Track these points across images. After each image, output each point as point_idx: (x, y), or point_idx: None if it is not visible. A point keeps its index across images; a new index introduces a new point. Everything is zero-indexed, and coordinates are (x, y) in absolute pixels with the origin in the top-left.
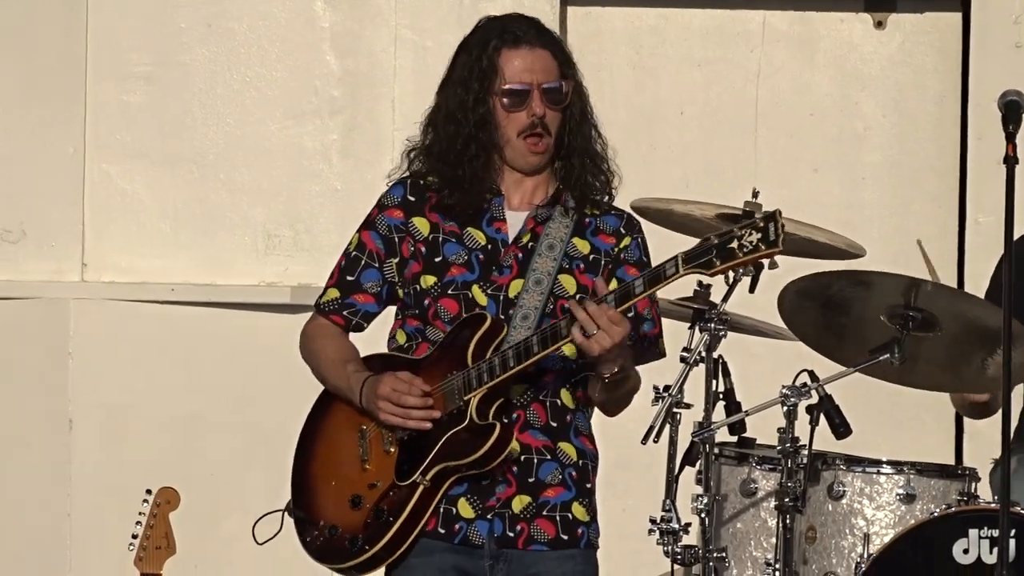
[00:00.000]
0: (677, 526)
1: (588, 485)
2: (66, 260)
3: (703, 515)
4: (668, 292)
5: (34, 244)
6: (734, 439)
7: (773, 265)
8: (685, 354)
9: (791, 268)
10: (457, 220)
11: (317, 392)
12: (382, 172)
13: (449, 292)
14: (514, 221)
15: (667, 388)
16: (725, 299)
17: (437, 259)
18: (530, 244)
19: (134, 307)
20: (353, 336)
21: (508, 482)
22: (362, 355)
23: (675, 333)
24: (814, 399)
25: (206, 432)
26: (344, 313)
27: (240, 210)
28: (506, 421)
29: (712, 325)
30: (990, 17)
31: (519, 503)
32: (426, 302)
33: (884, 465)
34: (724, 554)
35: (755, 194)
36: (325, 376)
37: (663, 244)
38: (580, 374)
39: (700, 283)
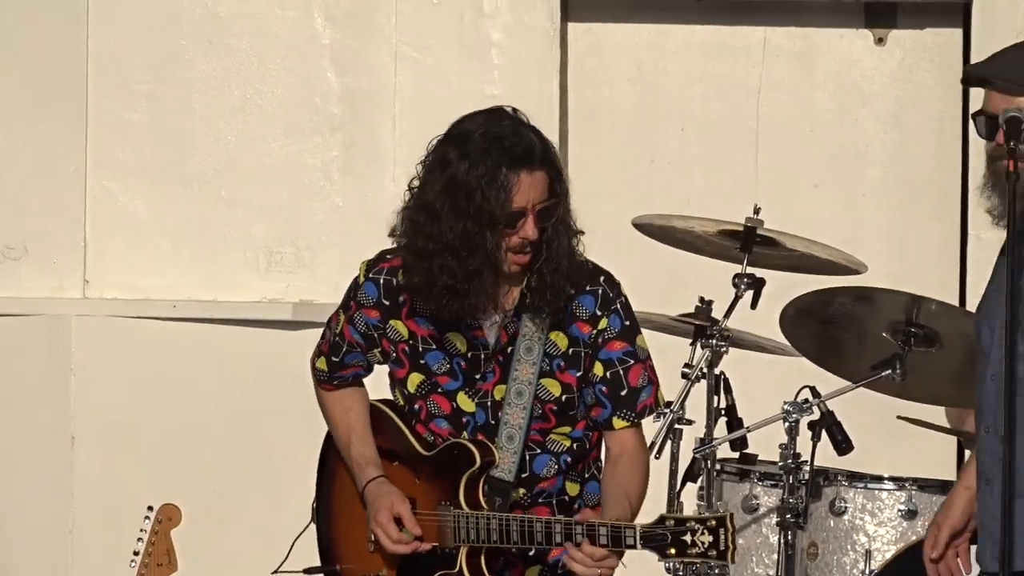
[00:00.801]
0: None
1: None
2: (68, 277)
3: None
4: (669, 308)
5: (36, 261)
6: (736, 455)
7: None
8: (687, 370)
9: (792, 284)
10: (435, 325)
11: (317, 410)
12: (383, 189)
13: (439, 391)
14: (488, 325)
15: (669, 404)
16: (727, 315)
17: (421, 362)
18: (509, 348)
19: (136, 324)
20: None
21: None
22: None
23: (677, 349)
24: (816, 415)
25: (208, 449)
26: (335, 383)
27: (241, 227)
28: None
29: (714, 341)
30: (991, 33)
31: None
32: (417, 405)
33: (886, 481)
34: (726, 570)
35: (756, 210)
36: (336, 441)
37: (664, 260)
38: (578, 457)
39: (702, 299)
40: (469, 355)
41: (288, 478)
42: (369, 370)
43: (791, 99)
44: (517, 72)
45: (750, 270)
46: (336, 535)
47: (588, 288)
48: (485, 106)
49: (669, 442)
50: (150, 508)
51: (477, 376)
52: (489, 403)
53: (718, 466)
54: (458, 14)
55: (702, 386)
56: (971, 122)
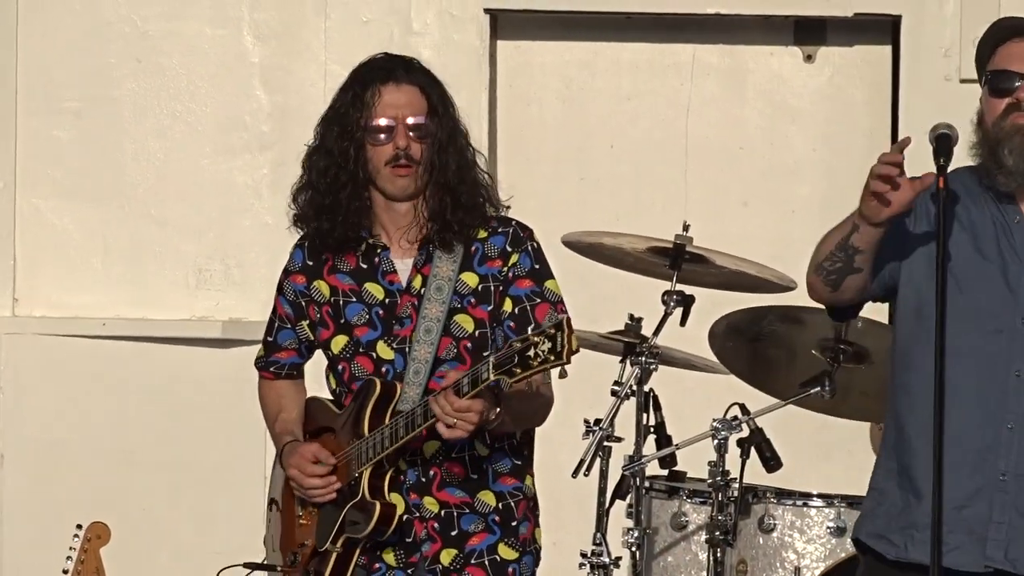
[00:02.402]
0: (608, 560)
1: (514, 522)
2: None
3: (634, 549)
4: (598, 325)
5: None
6: (665, 472)
7: (563, 374)
8: (616, 387)
9: (722, 302)
10: (353, 278)
11: (249, 427)
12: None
13: (360, 351)
14: (403, 269)
15: (598, 422)
16: (656, 333)
17: (342, 321)
18: (422, 290)
19: (65, 342)
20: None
21: (433, 538)
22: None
23: (606, 367)
24: (745, 432)
25: (137, 467)
26: (271, 369)
27: (171, 245)
28: (387, 501)
29: (643, 359)
30: (919, 50)
31: (447, 556)
32: (340, 367)
33: (815, 498)
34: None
35: (685, 227)
36: (268, 428)
37: (593, 277)
38: None
39: (631, 316)
40: (387, 301)
41: (217, 496)
42: (303, 356)
43: (720, 116)
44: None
45: (679, 287)
46: (277, 525)
47: (500, 229)
48: None
49: (598, 460)
50: (79, 526)
51: (395, 323)
52: (407, 349)
53: (647, 483)
54: (387, 32)
55: (631, 403)
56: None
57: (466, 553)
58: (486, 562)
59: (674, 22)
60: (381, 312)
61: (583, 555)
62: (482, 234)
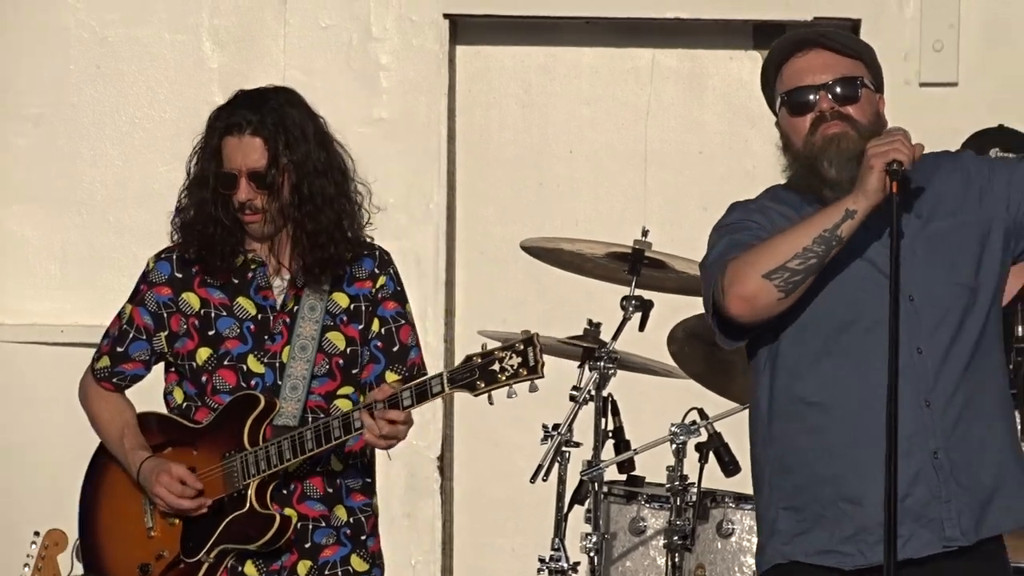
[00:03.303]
0: (566, 565)
1: (363, 536)
2: None
3: (592, 554)
4: (557, 330)
5: None
6: (623, 477)
7: (533, 388)
8: (574, 392)
9: (680, 307)
10: (226, 292)
11: None
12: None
13: (225, 363)
14: (278, 286)
15: (556, 427)
16: (615, 337)
17: (211, 332)
18: (295, 308)
19: (23, 348)
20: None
21: (290, 550)
22: (139, 409)
23: (564, 371)
24: (703, 437)
25: None
26: (114, 380)
27: (128, 251)
28: (284, 514)
29: (602, 364)
30: (879, 53)
31: (304, 567)
32: (203, 378)
33: None
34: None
35: (644, 232)
36: (103, 439)
37: (552, 282)
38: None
39: (590, 321)
40: (259, 317)
41: None
42: (147, 369)
43: (680, 121)
44: (406, 95)
45: (638, 292)
46: (104, 541)
47: (366, 252)
48: (374, 130)
49: (556, 465)
50: (36, 533)
51: (266, 338)
52: (277, 364)
53: (605, 488)
54: (346, 38)
55: (590, 408)
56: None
57: (320, 564)
58: (339, 572)
59: (633, 26)
60: (252, 327)
61: (541, 560)
62: (349, 256)
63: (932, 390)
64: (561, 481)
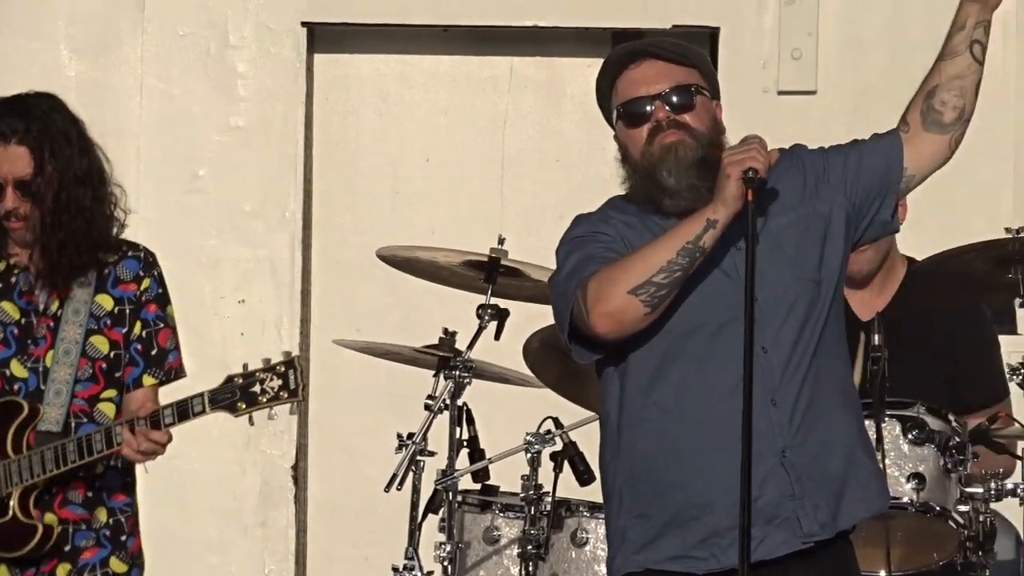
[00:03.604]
0: (420, 574)
1: (123, 537)
2: None
3: (446, 563)
4: (413, 339)
5: None
6: (478, 487)
7: (294, 411)
8: (429, 401)
9: (536, 316)
10: None
11: None
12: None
13: None
14: (41, 291)
15: (411, 436)
16: (470, 346)
17: None
18: (59, 312)
19: None
20: None
21: (49, 555)
22: None
23: (420, 380)
24: (558, 446)
25: None
26: None
27: None
28: (47, 523)
29: (457, 372)
30: (738, 62)
31: (63, 570)
32: None
33: None
34: None
35: (501, 241)
36: None
37: (408, 291)
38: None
39: (445, 330)
40: (22, 321)
41: None
42: None
43: (537, 129)
44: (263, 103)
45: (494, 301)
46: None
47: (130, 254)
48: (231, 138)
49: (411, 474)
50: None
51: (30, 342)
52: (40, 368)
53: (460, 498)
54: (204, 46)
55: (444, 417)
56: None
57: (80, 567)
58: (98, 575)
59: (491, 34)
60: (16, 331)
61: (395, 569)
62: (112, 258)
63: (778, 389)
64: (415, 490)
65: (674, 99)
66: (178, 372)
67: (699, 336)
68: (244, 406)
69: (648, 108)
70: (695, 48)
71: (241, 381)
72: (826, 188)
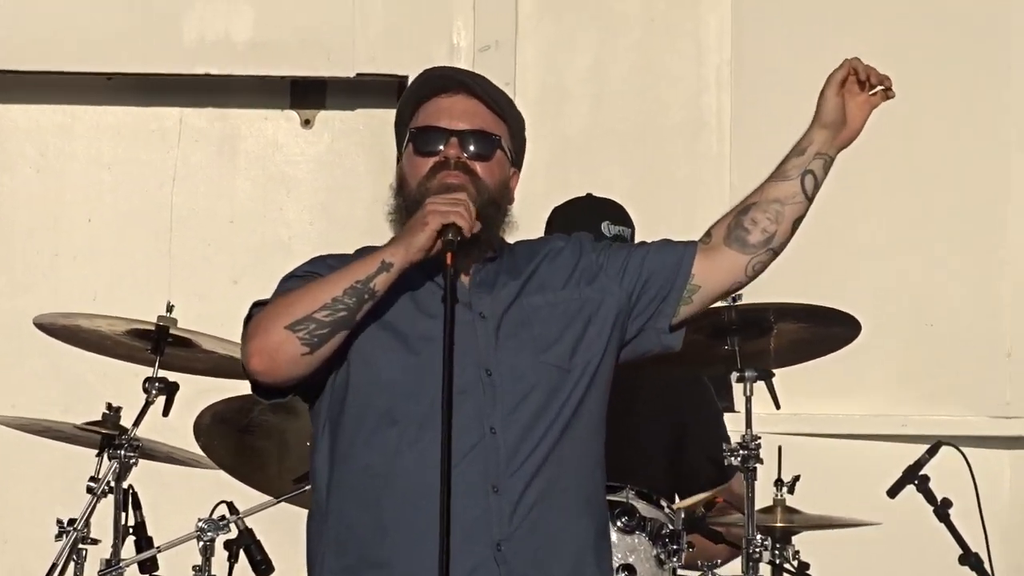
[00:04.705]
0: None
1: None
2: None
3: None
4: (74, 415)
5: None
6: None
7: None
8: (92, 484)
9: (209, 389)
10: None
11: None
12: None
13: None
14: None
15: (72, 522)
16: (136, 423)
17: None
18: None
19: None
20: None
21: None
22: None
23: (81, 461)
24: (233, 533)
25: None
26: None
27: None
28: None
29: (122, 452)
30: None
31: None
32: None
33: None
34: None
35: (169, 308)
36: None
37: (68, 362)
38: None
39: (109, 405)
40: None
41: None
42: None
43: (209, 186)
44: None
45: (162, 373)
46: None
47: None
48: None
49: (72, 563)
50: None
51: None
52: None
53: None
54: None
55: (109, 501)
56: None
57: None
58: None
59: (160, 83)
60: None
61: None
62: None
63: (503, 474)
64: None
65: (471, 144)
66: None
67: (422, 402)
68: None
69: (442, 143)
70: (517, 109)
71: None
72: (603, 277)
